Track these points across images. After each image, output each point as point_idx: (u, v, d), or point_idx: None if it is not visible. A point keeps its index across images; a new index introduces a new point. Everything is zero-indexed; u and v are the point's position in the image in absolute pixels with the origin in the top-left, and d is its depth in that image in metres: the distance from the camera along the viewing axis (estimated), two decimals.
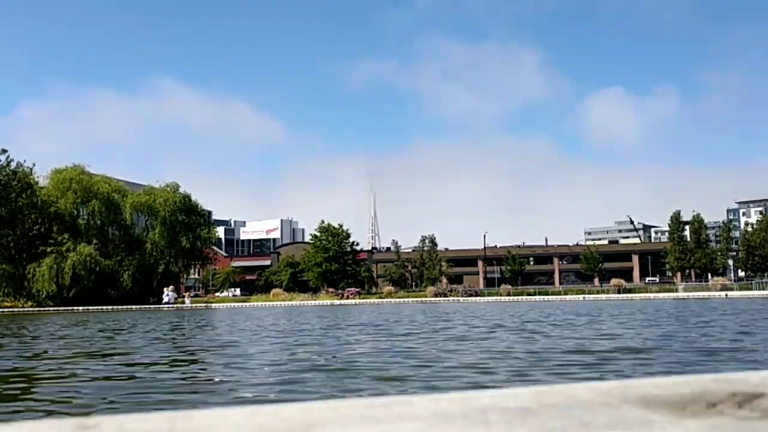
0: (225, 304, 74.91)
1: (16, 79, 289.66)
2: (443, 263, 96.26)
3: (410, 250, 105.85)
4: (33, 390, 7.40)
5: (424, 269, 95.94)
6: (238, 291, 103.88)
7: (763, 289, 69.86)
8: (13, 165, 76.01)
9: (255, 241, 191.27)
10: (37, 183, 79.13)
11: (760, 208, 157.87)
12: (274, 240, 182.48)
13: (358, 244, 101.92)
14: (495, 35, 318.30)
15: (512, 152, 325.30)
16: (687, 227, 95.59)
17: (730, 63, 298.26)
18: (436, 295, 78.23)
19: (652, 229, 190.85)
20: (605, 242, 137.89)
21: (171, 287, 79.29)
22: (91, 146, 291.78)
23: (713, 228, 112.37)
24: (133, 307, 69.65)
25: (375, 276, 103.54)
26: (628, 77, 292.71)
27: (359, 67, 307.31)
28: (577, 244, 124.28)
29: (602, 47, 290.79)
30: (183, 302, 74.59)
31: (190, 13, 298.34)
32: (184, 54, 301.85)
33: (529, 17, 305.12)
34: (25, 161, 77.66)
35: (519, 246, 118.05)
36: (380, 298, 79.46)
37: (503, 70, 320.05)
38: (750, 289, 72.89)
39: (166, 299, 75.56)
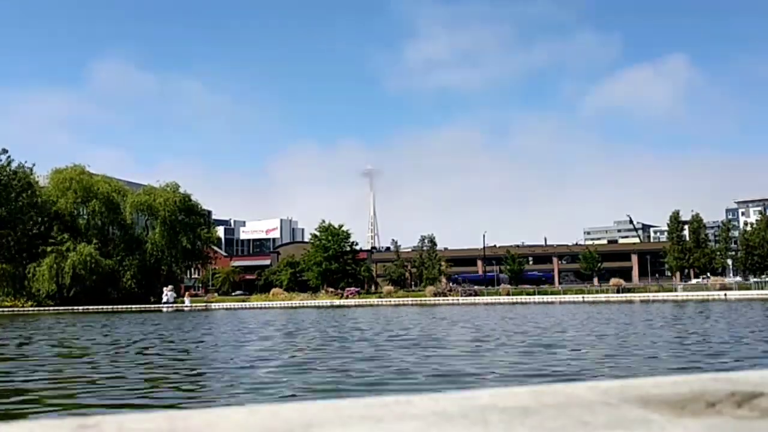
0: (225, 305, 74.98)
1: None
2: (443, 263, 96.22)
3: (410, 250, 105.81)
4: None
5: (423, 269, 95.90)
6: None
7: (762, 289, 69.92)
8: (14, 165, 76.15)
9: (255, 240, 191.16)
10: (37, 183, 79.19)
11: (759, 208, 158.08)
12: (274, 240, 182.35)
13: (357, 244, 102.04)
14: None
15: (512, 151, 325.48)
16: (686, 227, 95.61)
17: (735, 57, 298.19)
18: (435, 295, 78.32)
19: (651, 229, 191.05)
20: (604, 242, 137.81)
21: (170, 286, 79.22)
22: (88, 145, 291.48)
23: (712, 228, 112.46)
24: (133, 307, 69.70)
25: (375, 276, 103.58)
26: (630, 72, 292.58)
27: (359, 65, 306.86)
28: (577, 244, 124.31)
29: (601, 30, 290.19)
30: (182, 302, 74.61)
31: (188, 13, 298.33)
32: (184, 53, 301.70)
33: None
34: (26, 162, 77.78)
35: (518, 246, 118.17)
36: (380, 297, 79.53)
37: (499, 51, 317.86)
38: (749, 288, 72.86)
39: (165, 299, 75.58)
